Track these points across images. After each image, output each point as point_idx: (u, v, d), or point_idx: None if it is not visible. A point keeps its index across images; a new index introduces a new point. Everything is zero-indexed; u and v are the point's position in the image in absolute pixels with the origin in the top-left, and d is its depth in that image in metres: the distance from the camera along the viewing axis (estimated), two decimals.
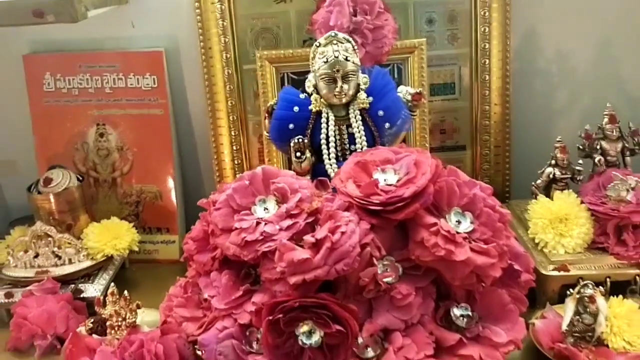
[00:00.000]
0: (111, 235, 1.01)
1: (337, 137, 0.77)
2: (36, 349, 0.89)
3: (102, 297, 0.87)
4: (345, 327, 0.64)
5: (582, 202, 0.89)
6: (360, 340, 0.65)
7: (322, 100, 0.77)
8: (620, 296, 0.82)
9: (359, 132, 0.77)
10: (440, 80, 1.08)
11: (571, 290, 0.80)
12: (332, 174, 0.76)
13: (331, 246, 0.63)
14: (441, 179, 0.69)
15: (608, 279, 0.85)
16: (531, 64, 1.11)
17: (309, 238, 0.65)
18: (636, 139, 0.92)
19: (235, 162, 1.10)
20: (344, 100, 0.77)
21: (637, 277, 0.85)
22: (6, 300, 0.95)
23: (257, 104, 1.06)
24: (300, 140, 0.76)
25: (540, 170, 0.93)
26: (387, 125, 0.77)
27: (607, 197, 0.88)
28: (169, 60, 1.09)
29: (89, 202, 1.08)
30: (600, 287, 0.80)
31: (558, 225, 0.88)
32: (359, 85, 0.77)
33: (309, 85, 0.78)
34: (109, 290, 0.85)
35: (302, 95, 0.78)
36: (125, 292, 0.87)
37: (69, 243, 0.98)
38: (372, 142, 0.78)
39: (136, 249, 1.04)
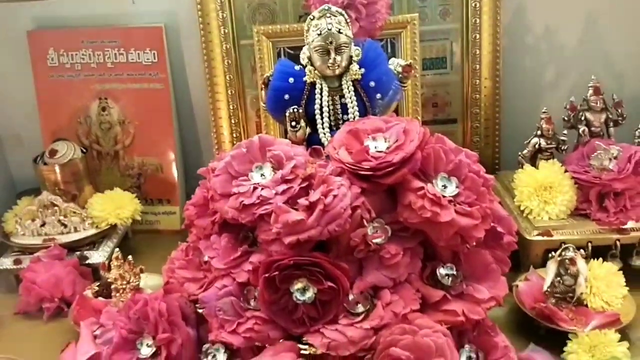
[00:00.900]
0: (115, 205, 1.05)
1: (331, 107, 0.81)
2: (44, 312, 0.93)
3: (107, 262, 0.91)
4: (337, 284, 0.68)
5: (566, 171, 0.93)
6: (351, 296, 0.69)
7: (316, 71, 0.80)
8: (601, 259, 0.86)
9: (352, 102, 0.80)
10: (433, 54, 1.11)
11: (553, 253, 0.84)
12: (326, 143, 0.79)
13: (324, 208, 0.67)
14: (428, 146, 0.73)
15: (589, 244, 0.89)
16: (521, 39, 1.14)
17: (303, 201, 0.69)
18: (619, 110, 0.96)
19: (234, 135, 1.14)
20: (337, 72, 0.80)
21: (617, 242, 0.89)
22: (15, 267, 0.99)
23: (255, 79, 1.10)
24: (295, 110, 0.79)
25: (526, 141, 0.97)
26: (378, 95, 0.81)
27: (590, 166, 0.92)
28: (169, 36, 1.12)
29: (93, 173, 1.12)
30: (582, 250, 0.84)
31: (543, 193, 0.92)
32: (351, 57, 0.80)
33: (303, 57, 0.81)
34: (114, 255, 0.90)
35: (297, 67, 0.82)
36: (130, 256, 0.92)
37: (75, 212, 1.02)
38: (364, 112, 0.81)
39: (139, 218, 1.08)
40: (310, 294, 0.68)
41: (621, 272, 0.85)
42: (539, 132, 0.95)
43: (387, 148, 0.72)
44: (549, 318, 0.80)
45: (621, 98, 1.03)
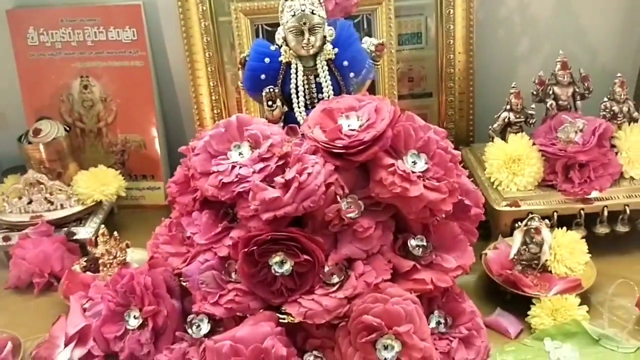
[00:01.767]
0: (99, 182, 1.08)
1: (306, 87, 0.83)
2: (35, 287, 0.97)
3: (94, 238, 0.94)
4: (313, 257, 0.72)
5: (534, 144, 0.97)
6: (326, 268, 0.73)
7: (291, 51, 0.82)
8: (565, 228, 0.90)
9: (326, 81, 0.83)
10: (408, 30, 1.13)
11: (520, 223, 0.88)
12: (302, 121, 0.82)
13: (299, 186, 0.70)
14: (399, 124, 0.76)
15: (555, 213, 0.93)
16: (494, 13, 1.16)
17: (279, 179, 0.72)
18: (586, 84, 0.99)
19: (215, 111, 1.16)
20: (311, 52, 0.82)
21: (581, 211, 0.93)
22: (4, 243, 1.02)
23: (234, 55, 1.11)
24: (272, 90, 0.82)
25: (496, 115, 1.00)
26: (352, 74, 0.84)
27: (557, 138, 0.96)
28: (148, 14, 1.13)
29: (77, 151, 1.14)
30: (547, 220, 0.89)
31: (511, 165, 0.96)
32: (325, 37, 0.83)
33: (278, 37, 0.83)
34: (100, 231, 0.93)
35: (272, 47, 0.84)
36: (115, 232, 0.95)
37: (60, 189, 1.05)
38: (338, 91, 0.84)
39: (123, 194, 1.11)
40: (287, 267, 0.72)
41: (584, 239, 0.90)
42: (508, 107, 0.99)
43: (360, 126, 0.75)
44: (514, 284, 0.85)
45: (590, 72, 1.07)
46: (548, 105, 0.98)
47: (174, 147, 1.23)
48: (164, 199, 1.20)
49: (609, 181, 0.93)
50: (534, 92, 1.00)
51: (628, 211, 0.93)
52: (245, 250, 0.71)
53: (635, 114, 0.98)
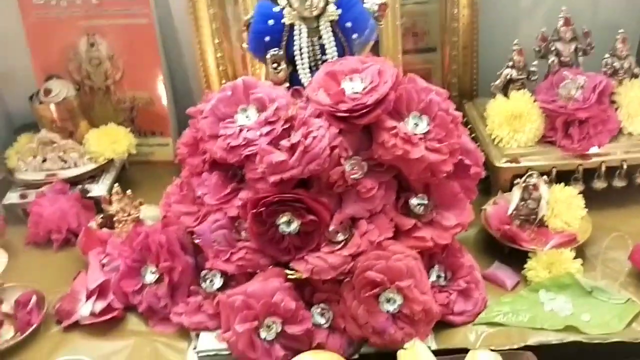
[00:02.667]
0: (110, 139, 1.11)
1: (310, 48, 0.84)
2: (53, 243, 1.01)
3: (108, 196, 0.98)
4: (318, 217, 0.75)
5: (535, 101, 0.98)
6: (331, 227, 0.76)
7: (294, 13, 0.83)
8: (563, 184, 0.93)
9: (330, 43, 0.84)
10: None
11: (519, 179, 0.91)
12: (306, 83, 0.84)
13: (304, 149, 0.73)
14: (401, 87, 0.78)
15: (554, 169, 0.96)
16: None
17: (285, 142, 0.75)
18: (588, 40, 0.99)
19: (220, 68, 1.17)
20: (314, 13, 0.83)
21: (579, 167, 0.96)
22: (22, 201, 1.06)
23: (237, 11, 1.11)
24: (276, 52, 0.83)
25: (499, 72, 1.02)
26: (355, 35, 0.84)
27: (558, 94, 0.97)
28: None
29: (87, 109, 1.17)
30: (545, 176, 0.92)
31: (512, 122, 0.98)
32: None
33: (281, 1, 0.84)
34: (114, 190, 0.97)
35: (275, 9, 0.84)
36: (129, 190, 0.98)
37: (73, 148, 1.08)
38: (341, 52, 0.85)
39: (134, 151, 1.14)
40: (294, 226, 0.75)
41: (582, 194, 0.93)
42: (510, 64, 0.99)
43: (363, 89, 0.77)
44: (512, 239, 0.88)
45: (593, 26, 1.07)
46: (550, 61, 0.99)
47: (182, 103, 1.26)
48: (172, 155, 1.23)
49: (607, 137, 0.95)
50: (537, 49, 1.01)
51: (625, 166, 0.95)
52: (254, 211, 0.75)
53: (636, 70, 0.98)
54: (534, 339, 0.77)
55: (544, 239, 0.89)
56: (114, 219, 0.97)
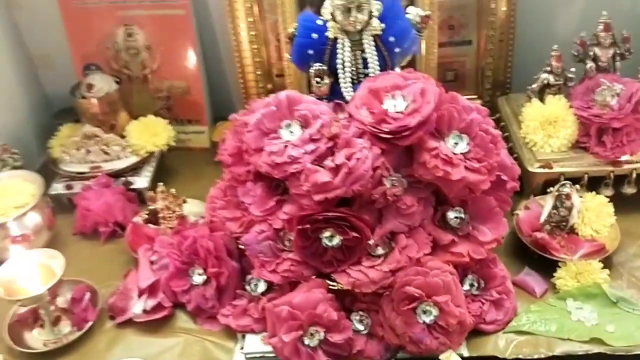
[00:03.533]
0: (150, 132, 1.14)
1: (352, 62, 0.86)
2: (101, 235, 1.06)
3: (153, 194, 1.02)
4: (360, 233, 0.79)
5: (570, 106, 0.99)
6: (372, 241, 0.80)
7: (338, 27, 0.84)
8: (594, 192, 0.95)
9: (372, 57, 0.85)
10: None
11: (551, 188, 0.94)
12: (348, 96, 0.86)
13: (348, 171, 0.76)
14: (443, 107, 0.80)
15: (586, 175, 0.98)
16: None
17: (329, 163, 0.78)
18: (627, 45, 0.99)
19: (256, 59, 1.18)
20: (358, 27, 0.84)
21: (611, 174, 0.98)
22: (67, 192, 1.11)
23: (273, 3, 1.12)
24: (320, 66, 0.85)
25: (536, 76, 1.02)
26: (397, 49, 0.86)
27: (594, 100, 0.98)
28: None
29: (126, 97, 1.19)
30: (577, 185, 0.94)
31: (547, 127, 0.99)
32: (371, 12, 0.84)
33: (325, 12, 0.84)
34: (159, 189, 1.01)
35: (319, 22, 0.85)
36: (173, 190, 1.03)
37: (116, 142, 1.11)
38: (383, 65, 0.86)
39: (173, 144, 1.17)
40: (337, 241, 0.79)
41: (611, 202, 0.95)
42: (548, 69, 1.00)
43: (406, 107, 0.79)
44: (542, 247, 0.91)
45: (628, 22, 1.07)
46: (587, 67, 1.00)
47: (216, 92, 1.28)
48: (208, 142, 1.27)
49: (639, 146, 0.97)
50: (575, 53, 1.01)
51: None
52: (300, 227, 0.79)
53: None
54: (560, 349, 0.81)
55: (574, 247, 0.92)
56: (159, 215, 1.01)
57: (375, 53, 0.85)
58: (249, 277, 0.87)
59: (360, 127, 0.79)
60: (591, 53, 1.00)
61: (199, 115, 1.26)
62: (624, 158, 0.97)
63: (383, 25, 0.84)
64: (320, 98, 0.87)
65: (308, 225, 0.79)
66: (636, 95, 0.95)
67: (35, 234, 1.00)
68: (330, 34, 0.85)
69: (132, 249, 0.99)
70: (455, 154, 0.79)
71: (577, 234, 0.93)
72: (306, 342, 0.79)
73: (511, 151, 1.03)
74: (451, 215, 0.83)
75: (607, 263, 0.91)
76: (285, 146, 0.80)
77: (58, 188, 1.12)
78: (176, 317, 0.92)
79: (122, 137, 1.14)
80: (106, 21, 1.18)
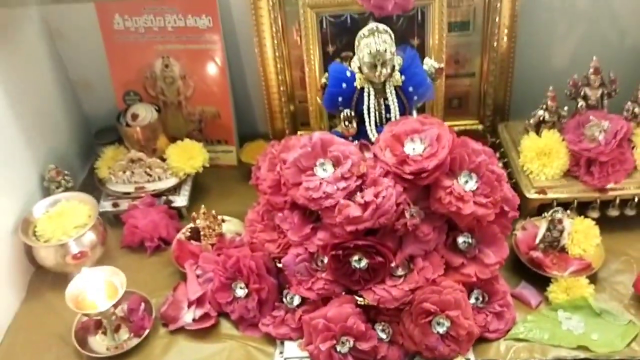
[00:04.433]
0: (187, 156, 1.27)
1: (376, 108, 0.99)
2: (147, 249, 1.19)
3: (195, 214, 1.14)
4: (384, 257, 0.93)
5: (563, 139, 1.13)
6: (393, 264, 0.94)
7: (365, 78, 0.97)
8: (583, 216, 1.10)
9: (394, 104, 0.98)
10: (458, 18, 1.25)
11: (546, 213, 1.08)
12: (372, 137, 0.99)
13: (376, 207, 0.90)
14: (456, 150, 0.93)
15: (576, 200, 1.12)
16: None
17: (359, 199, 0.91)
18: (614, 86, 1.13)
19: (281, 88, 1.31)
20: (382, 79, 0.97)
21: (597, 200, 1.12)
22: (114, 209, 1.24)
23: (297, 40, 1.24)
24: (349, 113, 0.98)
25: (533, 112, 1.16)
26: (415, 97, 0.99)
27: (584, 135, 1.12)
28: (221, 3, 1.25)
29: (164, 124, 1.32)
30: (567, 211, 1.08)
31: (542, 157, 1.13)
32: (394, 66, 0.97)
33: (354, 66, 0.98)
34: (201, 210, 1.14)
35: (347, 73, 0.98)
36: (213, 211, 1.16)
37: (158, 164, 1.24)
38: (403, 110, 1.00)
39: (207, 165, 1.30)
40: (364, 263, 0.93)
41: (597, 223, 1.09)
42: (544, 107, 1.14)
43: (423, 150, 0.93)
44: (537, 264, 1.06)
45: (620, 51, 1.23)
46: (579, 105, 1.13)
47: (242, 115, 1.41)
48: (235, 160, 1.39)
49: (623, 175, 1.11)
50: (567, 92, 1.14)
51: (637, 199, 1.11)
52: (333, 253, 0.93)
53: None
54: (552, 355, 0.96)
55: (564, 264, 1.06)
56: (200, 233, 1.15)
57: (396, 101, 0.99)
58: (285, 291, 1.01)
59: (385, 167, 0.93)
60: (582, 92, 1.14)
61: (228, 136, 1.38)
62: (609, 186, 1.11)
63: (404, 77, 0.98)
64: (347, 138, 1.00)
65: (340, 252, 0.92)
66: (621, 132, 1.09)
67: (91, 250, 1.13)
68: (358, 84, 0.98)
69: (177, 263, 1.13)
70: (465, 191, 0.93)
71: (567, 253, 1.07)
72: (338, 349, 0.93)
73: (510, 176, 1.18)
74: (460, 240, 0.97)
75: (593, 278, 1.06)
76: (321, 183, 0.94)
77: (106, 206, 1.25)
78: (221, 325, 1.05)
79: (162, 159, 1.27)
80: (145, 54, 1.30)
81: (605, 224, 1.12)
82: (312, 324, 0.93)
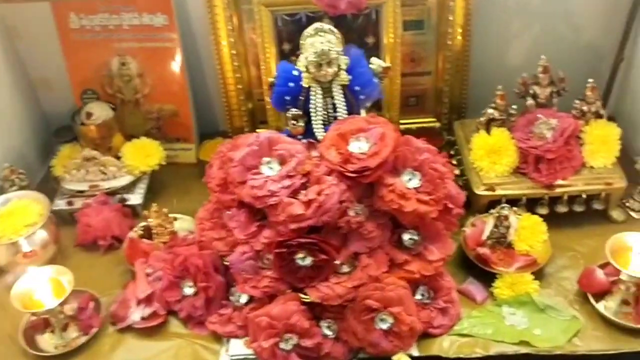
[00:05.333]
0: (143, 154, 1.27)
1: (323, 107, 1.00)
2: (100, 247, 1.19)
3: (147, 212, 1.15)
4: (328, 255, 0.94)
5: (512, 138, 1.15)
6: (338, 262, 0.95)
7: (311, 77, 0.98)
8: (529, 213, 1.11)
9: (340, 103, 0.99)
10: (413, 17, 1.25)
11: (492, 210, 1.09)
12: (319, 136, 1.00)
13: (318, 205, 0.90)
14: (399, 149, 0.94)
15: (524, 197, 1.14)
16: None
17: (302, 197, 0.92)
18: (563, 85, 1.15)
19: (238, 86, 1.31)
20: (328, 79, 0.98)
21: (545, 196, 1.14)
22: (69, 207, 1.24)
23: (253, 40, 1.25)
24: (296, 112, 0.99)
25: (483, 111, 1.17)
26: (362, 97, 1.00)
27: (532, 132, 1.13)
28: (178, 1, 1.25)
29: (119, 119, 1.32)
30: (514, 208, 1.10)
31: (492, 155, 1.14)
32: (340, 65, 0.98)
33: (300, 65, 0.98)
34: (153, 208, 1.14)
35: (295, 72, 0.99)
36: (165, 209, 1.16)
37: (112, 163, 1.24)
38: (350, 110, 1.00)
39: (164, 163, 1.30)
40: (308, 261, 0.94)
41: (546, 219, 1.10)
42: (493, 105, 1.15)
43: (368, 149, 0.93)
44: (484, 261, 1.07)
45: (575, 49, 1.26)
46: (527, 104, 1.15)
47: (202, 113, 1.41)
48: (195, 158, 1.40)
49: (571, 172, 1.12)
50: (517, 91, 1.16)
51: (584, 196, 1.13)
52: (277, 251, 0.93)
53: (602, 112, 1.14)
54: (494, 350, 0.97)
55: (510, 260, 1.08)
56: (152, 231, 1.15)
57: (343, 100, 1.00)
58: (232, 289, 1.02)
59: (329, 166, 0.94)
60: (531, 91, 1.15)
61: (187, 134, 1.38)
62: (557, 183, 1.13)
63: (350, 77, 0.99)
64: (296, 136, 1.01)
65: (284, 250, 0.93)
66: (568, 130, 1.11)
67: (43, 249, 1.13)
68: (304, 84, 0.99)
69: (129, 261, 1.13)
70: (408, 188, 0.94)
71: (514, 249, 1.09)
72: (282, 346, 0.94)
73: (463, 173, 1.19)
74: (406, 237, 0.98)
75: (540, 274, 1.07)
76: (266, 181, 0.94)
77: (60, 204, 1.24)
78: (170, 323, 1.05)
79: (118, 157, 1.27)
80: (102, 52, 1.30)
81: (554, 220, 1.13)
82: (256, 322, 0.94)
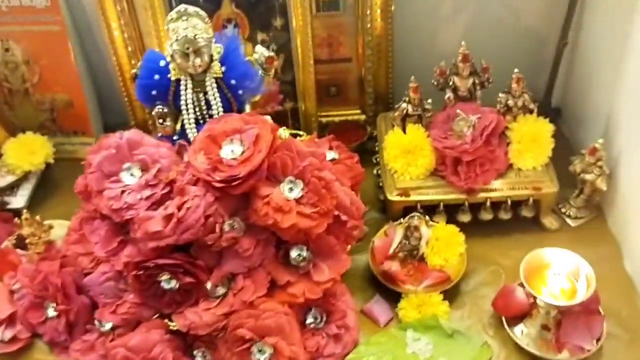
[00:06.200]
0: (27, 151, 1.14)
1: (196, 103, 0.86)
2: None
3: (18, 220, 1.02)
4: (195, 278, 0.81)
5: (428, 136, 1.01)
6: (209, 285, 0.82)
7: (179, 68, 0.84)
8: (444, 222, 0.99)
9: (214, 99, 0.85)
10: None
11: (402, 220, 0.97)
12: (192, 137, 0.87)
13: (177, 221, 0.78)
14: (277, 154, 0.81)
15: (442, 203, 1.01)
16: None
17: (161, 211, 0.79)
18: (486, 75, 1.01)
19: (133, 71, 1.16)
20: (198, 70, 0.84)
21: (465, 202, 1.01)
22: None
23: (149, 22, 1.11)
24: (161, 109, 0.85)
25: (397, 105, 1.04)
26: (240, 92, 0.86)
27: (451, 130, 1.00)
28: None
29: (6, 115, 1.18)
30: (427, 217, 0.97)
31: (407, 155, 1.01)
32: (212, 55, 0.84)
33: (167, 54, 0.85)
34: (23, 216, 1.01)
35: (162, 63, 0.85)
36: (38, 216, 1.03)
37: None
38: (228, 107, 0.87)
39: (51, 161, 1.17)
40: (173, 284, 0.82)
41: (469, 227, 0.98)
42: (406, 99, 1.01)
43: (241, 153, 0.80)
44: (390, 278, 0.95)
45: (514, 33, 1.13)
46: (446, 97, 1.01)
47: (106, 102, 1.27)
48: None
49: (493, 175, 0.99)
50: (435, 82, 1.02)
51: (509, 202, 1.00)
52: (133, 273, 0.81)
53: (532, 106, 1.01)
54: None
55: (421, 276, 0.95)
56: (27, 241, 1.02)
57: (217, 95, 0.86)
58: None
59: (195, 173, 0.81)
60: (451, 82, 1.01)
61: (85, 126, 1.25)
62: (479, 187, 1.00)
63: (224, 68, 0.85)
64: (170, 138, 0.88)
65: (142, 272, 0.80)
66: (488, 128, 0.97)
67: None
68: (172, 76, 0.85)
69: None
70: (288, 200, 0.81)
71: (427, 263, 0.97)
72: None
73: (381, 177, 1.06)
74: (294, 254, 0.85)
75: (455, 291, 0.95)
76: (123, 191, 0.82)
77: None
78: (36, 347, 0.94)
79: None
80: None
81: (479, 229, 1.01)
82: (112, 354, 0.82)
